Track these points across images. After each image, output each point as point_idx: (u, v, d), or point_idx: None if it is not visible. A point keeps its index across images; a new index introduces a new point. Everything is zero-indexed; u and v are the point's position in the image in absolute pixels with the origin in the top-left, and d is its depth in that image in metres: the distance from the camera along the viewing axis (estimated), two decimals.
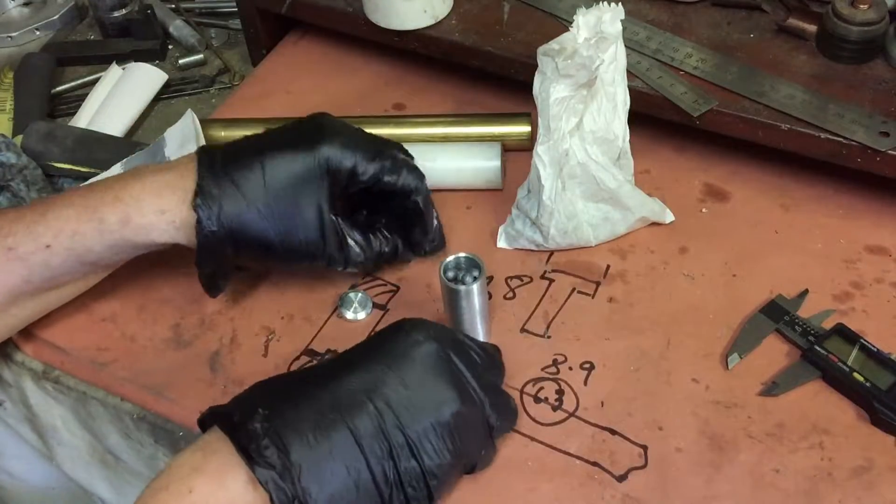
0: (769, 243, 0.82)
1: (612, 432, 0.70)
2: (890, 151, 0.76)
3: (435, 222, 0.81)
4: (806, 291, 0.77)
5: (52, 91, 1.06)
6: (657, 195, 0.84)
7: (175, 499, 0.57)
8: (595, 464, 0.69)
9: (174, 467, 0.59)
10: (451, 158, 0.87)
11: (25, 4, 1.19)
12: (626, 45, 0.77)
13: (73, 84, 1.08)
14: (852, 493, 0.66)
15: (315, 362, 0.76)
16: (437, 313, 0.78)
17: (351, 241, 0.75)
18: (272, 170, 0.71)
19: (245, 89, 1.03)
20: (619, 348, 0.75)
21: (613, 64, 0.75)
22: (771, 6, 0.88)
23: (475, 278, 0.71)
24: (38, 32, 1.16)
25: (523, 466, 0.69)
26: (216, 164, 0.72)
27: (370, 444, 0.59)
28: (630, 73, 0.81)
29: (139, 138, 1.01)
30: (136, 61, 1.07)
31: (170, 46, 1.12)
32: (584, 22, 0.73)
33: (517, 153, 0.90)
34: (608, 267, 0.81)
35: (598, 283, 0.80)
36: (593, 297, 0.79)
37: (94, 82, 1.05)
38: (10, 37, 1.15)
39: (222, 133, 0.92)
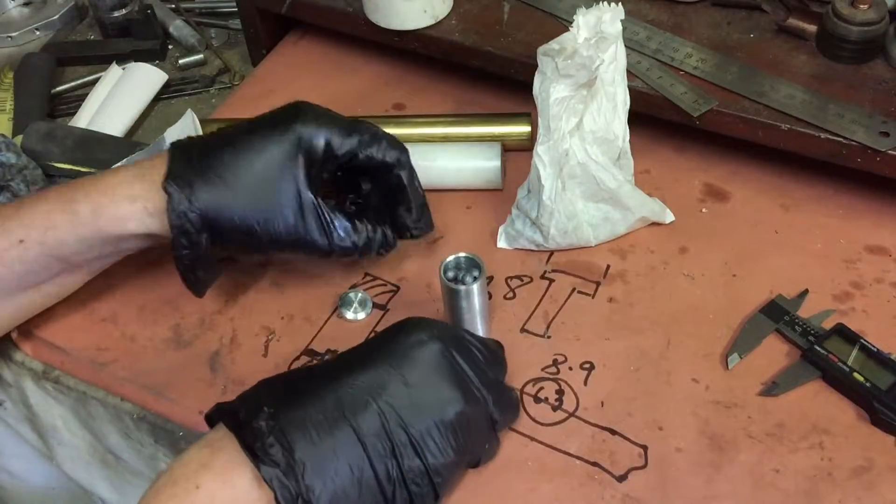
0: (769, 243, 0.82)
1: (612, 432, 0.70)
2: (890, 151, 0.76)
3: (421, 201, 0.78)
4: (806, 291, 0.77)
5: (52, 91, 1.06)
6: (657, 195, 0.84)
7: (183, 494, 0.58)
8: (595, 464, 0.69)
9: (182, 463, 0.60)
10: (451, 158, 0.87)
11: (25, 4, 1.19)
12: (626, 45, 0.77)
13: (73, 84, 1.08)
14: (852, 493, 0.66)
15: (315, 362, 0.76)
16: (437, 313, 0.78)
17: (335, 224, 0.73)
18: (246, 152, 0.71)
19: (245, 89, 1.03)
20: (619, 348, 0.75)
21: (613, 64, 0.75)
22: (771, 6, 0.88)
23: (475, 278, 0.71)
24: (38, 32, 1.16)
25: (523, 466, 0.69)
26: (190, 151, 0.71)
27: (373, 442, 0.60)
28: (630, 73, 0.81)
29: (139, 138, 1.01)
30: (136, 61, 1.07)
31: (170, 46, 1.12)
32: (584, 22, 0.73)
33: (517, 153, 0.90)
34: (608, 267, 0.81)
35: (598, 283, 0.80)
36: (593, 297, 0.79)
37: (94, 82, 1.05)
38: (10, 37, 1.15)
39: None
